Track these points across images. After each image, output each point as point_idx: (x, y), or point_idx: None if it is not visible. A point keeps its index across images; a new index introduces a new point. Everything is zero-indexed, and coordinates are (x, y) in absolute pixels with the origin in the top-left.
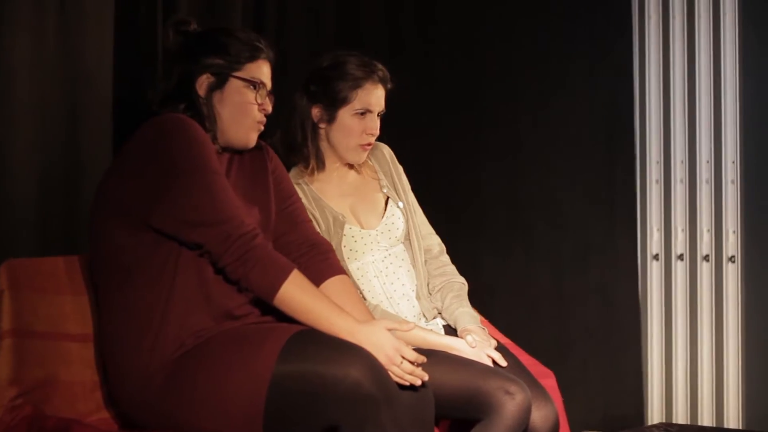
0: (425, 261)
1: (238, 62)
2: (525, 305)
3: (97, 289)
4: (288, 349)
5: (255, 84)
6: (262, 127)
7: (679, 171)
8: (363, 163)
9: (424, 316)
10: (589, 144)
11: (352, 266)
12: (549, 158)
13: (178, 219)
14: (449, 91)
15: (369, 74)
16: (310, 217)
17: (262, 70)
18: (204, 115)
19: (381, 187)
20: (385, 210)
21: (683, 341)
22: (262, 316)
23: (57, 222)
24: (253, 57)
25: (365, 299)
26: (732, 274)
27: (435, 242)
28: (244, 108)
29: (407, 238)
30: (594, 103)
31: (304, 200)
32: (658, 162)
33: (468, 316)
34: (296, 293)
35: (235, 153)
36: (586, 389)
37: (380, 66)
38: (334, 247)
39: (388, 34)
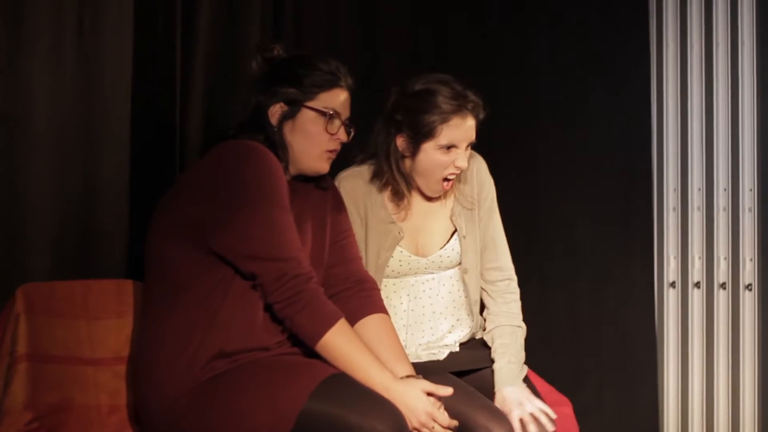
0: (490, 292)
1: (312, 92)
2: (540, 333)
3: (145, 300)
4: (320, 389)
5: (327, 114)
6: (334, 156)
7: (696, 198)
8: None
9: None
10: (605, 170)
11: (387, 281)
12: (565, 186)
13: (238, 248)
14: None
15: (458, 108)
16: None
17: (338, 99)
18: (277, 145)
19: (451, 215)
20: (448, 241)
21: (699, 369)
22: (293, 347)
23: (73, 247)
24: (327, 86)
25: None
26: (749, 303)
27: (502, 277)
28: (314, 138)
29: (464, 268)
30: (611, 130)
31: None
32: (675, 189)
33: (506, 373)
34: (339, 342)
35: (301, 180)
36: (602, 417)
37: (472, 97)
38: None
39: (405, 52)
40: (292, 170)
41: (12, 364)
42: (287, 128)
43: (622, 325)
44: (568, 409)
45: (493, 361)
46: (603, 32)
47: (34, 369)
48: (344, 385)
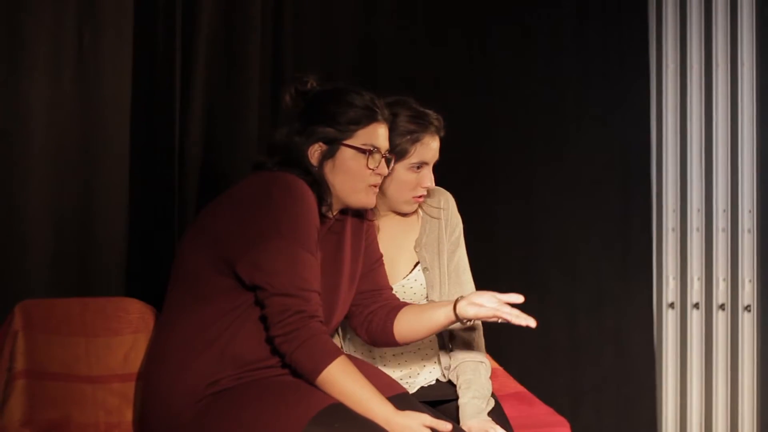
0: (451, 327)
1: (349, 130)
2: (539, 354)
3: (166, 306)
4: (320, 416)
5: (367, 151)
6: (377, 189)
7: (695, 219)
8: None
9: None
10: (605, 191)
11: None
12: (564, 206)
13: (255, 277)
14: (462, 137)
15: (425, 127)
16: None
17: (376, 134)
18: (319, 184)
19: (415, 246)
20: (410, 272)
21: (698, 391)
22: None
23: (71, 263)
24: (364, 122)
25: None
26: (748, 324)
27: None
28: (356, 175)
29: (431, 300)
30: (610, 151)
31: None
32: (674, 210)
33: (470, 408)
34: (338, 378)
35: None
36: None
37: (434, 115)
38: None
39: (402, 73)
40: (337, 206)
41: (10, 380)
42: (327, 168)
43: (621, 345)
44: (566, 429)
45: (458, 397)
46: (602, 52)
47: (31, 386)
48: (345, 415)
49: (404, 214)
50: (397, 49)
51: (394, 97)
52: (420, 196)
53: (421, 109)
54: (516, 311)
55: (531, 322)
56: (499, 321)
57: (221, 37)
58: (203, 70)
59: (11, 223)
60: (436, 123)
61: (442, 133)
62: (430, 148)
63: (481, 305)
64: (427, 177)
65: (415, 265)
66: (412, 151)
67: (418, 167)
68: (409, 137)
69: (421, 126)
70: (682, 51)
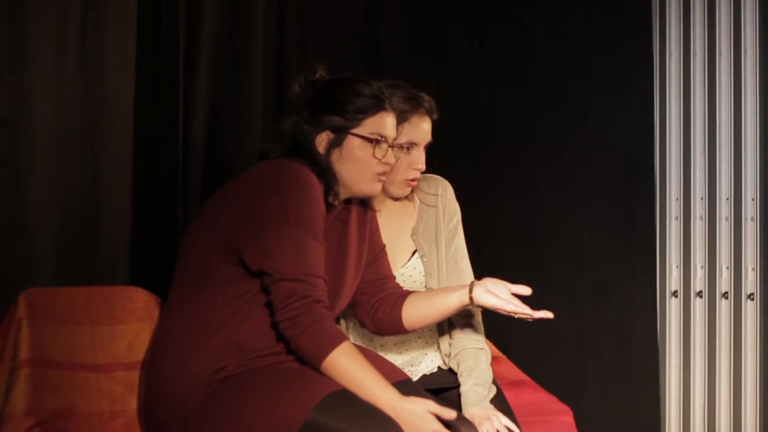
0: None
1: (356, 119)
2: (543, 342)
3: (172, 291)
4: (324, 403)
5: (373, 140)
6: (384, 178)
7: (698, 208)
8: (411, 197)
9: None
10: (608, 180)
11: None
12: (568, 195)
13: (262, 264)
14: (468, 129)
15: (415, 107)
16: None
17: (383, 123)
18: (327, 173)
19: (412, 234)
20: (409, 260)
21: (701, 378)
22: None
23: (75, 253)
24: (371, 111)
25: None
26: (751, 312)
27: None
28: (363, 163)
29: (430, 288)
30: (614, 140)
31: None
32: (677, 199)
33: (472, 395)
34: (342, 363)
35: (347, 203)
36: (604, 427)
37: (426, 97)
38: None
39: (407, 68)
40: (343, 194)
41: (14, 369)
42: (334, 156)
43: (625, 334)
44: (569, 417)
45: (459, 384)
46: (605, 42)
47: (35, 374)
48: (349, 401)
49: (398, 199)
50: (398, 48)
51: (388, 81)
52: (413, 179)
53: (414, 91)
54: (528, 308)
55: (549, 315)
56: (516, 317)
57: (225, 29)
58: (207, 62)
59: (16, 213)
60: (426, 105)
61: (434, 116)
62: (420, 128)
63: (498, 296)
64: (419, 159)
65: (413, 253)
66: (401, 130)
67: (408, 148)
68: (397, 116)
69: (411, 105)
70: (686, 39)
